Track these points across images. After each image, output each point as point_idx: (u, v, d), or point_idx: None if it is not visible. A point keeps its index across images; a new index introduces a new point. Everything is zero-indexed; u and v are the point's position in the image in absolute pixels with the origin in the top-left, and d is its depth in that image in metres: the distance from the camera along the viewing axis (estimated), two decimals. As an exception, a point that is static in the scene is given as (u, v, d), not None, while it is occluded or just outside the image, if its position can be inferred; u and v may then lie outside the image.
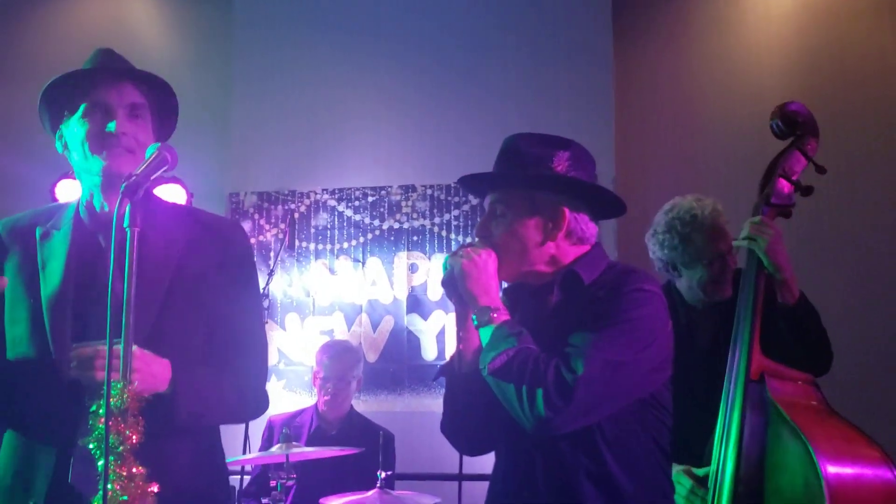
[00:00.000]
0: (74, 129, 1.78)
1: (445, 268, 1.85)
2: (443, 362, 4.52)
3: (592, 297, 1.76)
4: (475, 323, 1.79)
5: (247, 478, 3.79)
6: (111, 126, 1.72)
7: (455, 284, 1.82)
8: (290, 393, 4.70)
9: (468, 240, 4.72)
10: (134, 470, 1.45)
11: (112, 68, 1.82)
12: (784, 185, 2.31)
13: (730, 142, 4.63)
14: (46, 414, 1.69)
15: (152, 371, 1.61)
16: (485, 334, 1.77)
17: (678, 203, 2.59)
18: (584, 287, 1.78)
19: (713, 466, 2.20)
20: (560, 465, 1.73)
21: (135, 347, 1.56)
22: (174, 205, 2.05)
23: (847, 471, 2.00)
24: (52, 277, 1.75)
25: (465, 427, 1.90)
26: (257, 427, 3.82)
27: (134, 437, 1.45)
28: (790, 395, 2.16)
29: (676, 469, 2.32)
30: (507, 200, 1.85)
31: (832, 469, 1.97)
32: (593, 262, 1.84)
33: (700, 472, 2.29)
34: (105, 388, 1.39)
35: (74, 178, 3.89)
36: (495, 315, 1.77)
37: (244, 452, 3.85)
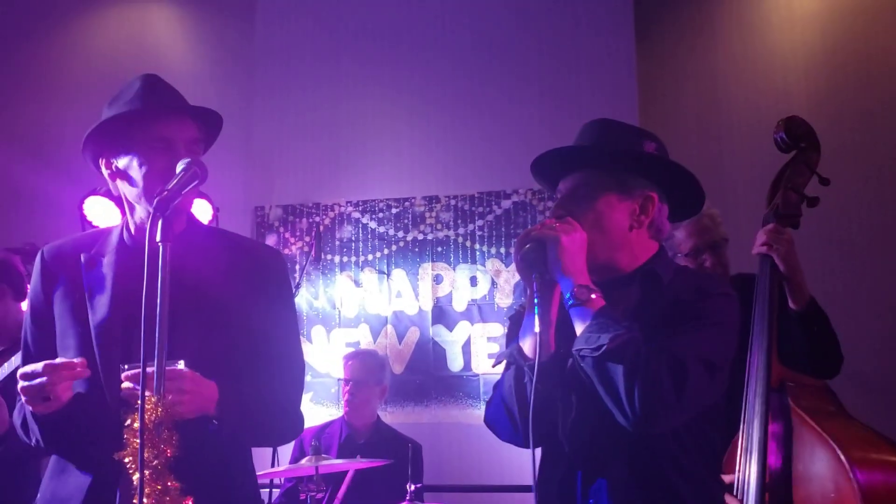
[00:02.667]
0: (135, 164, 1.77)
1: (526, 244, 1.66)
2: (470, 374, 4.57)
3: (675, 298, 1.67)
4: (570, 302, 1.62)
5: (276, 491, 3.79)
6: (175, 165, 1.68)
7: (540, 260, 1.63)
8: (316, 406, 4.70)
9: (493, 249, 4.72)
10: (168, 484, 1.45)
11: (173, 104, 1.82)
12: (791, 197, 2.37)
13: (754, 144, 4.58)
14: (92, 440, 1.70)
15: (202, 393, 1.63)
16: (581, 315, 1.61)
17: None
18: (662, 287, 1.71)
19: (738, 476, 2.19)
20: (631, 468, 1.64)
21: (183, 367, 1.58)
22: (213, 228, 2.07)
23: (878, 475, 2.01)
24: (99, 305, 1.77)
25: (526, 419, 1.66)
26: (286, 440, 3.82)
27: (168, 451, 1.46)
28: (811, 401, 2.18)
29: None
30: (593, 180, 1.72)
31: (863, 474, 1.98)
32: (666, 261, 1.79)
33: (725, 479, 2.28)
34: (140, 402, 1.40)
35: (102, 196, 3.95)
36: (594, 296, 1.61)
37: (273, 465, 3.86)
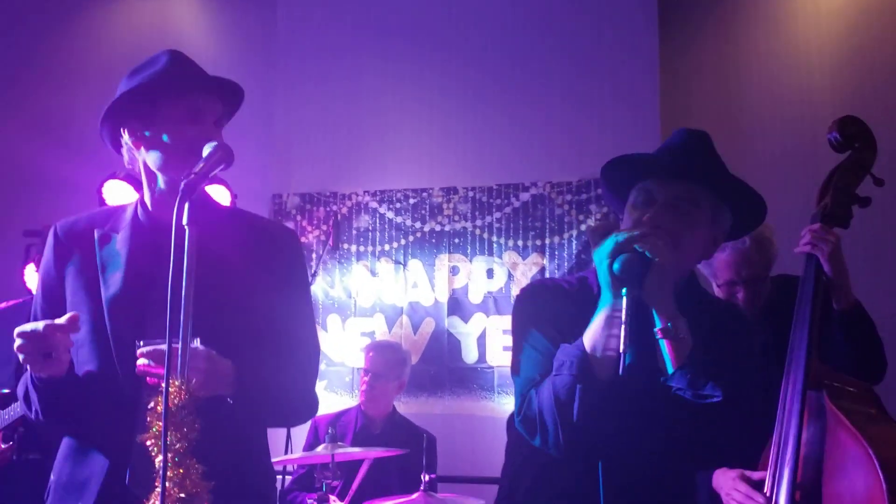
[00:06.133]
0: (162, 132, 1.75)
1: (626, 252, 1.56)
2: (484, 366, 4.55)
3: (714, 315, 1.74)
4: (661, 333, 1.60)
5: (288, 478, 3.80)
6: (205, 136, 1.69)
7: (638, 276, 1.55)
8: (331, 394, 4.71)
9: (510, 242, 4.70)
10: (191, 467, 1.44)
11: (201, 76, 1.82)
12: (842, 197, 2.32)
13: (778, 141, 4.55)
14: (105, 418, 1.70)
15: (218, 371, 1.61)
16: (677, 348, 1.60)
17: None
18: (701, 309, 1.72)
19: (770, 472, 2.17)
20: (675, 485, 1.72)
21: (199, 345, 1.57)
22: (228, 207, 2.06)
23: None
24: (112, 280, 1.76)
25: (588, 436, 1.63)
26: (301, 427, 3.83)
27: (191, 434, 1.45)
28: (848, 402, 2.15)
29: (730, 474, 2.30)
30: (696, 200, 1.68)
31: (893, 476, 1.95)
32: (697, 285, 1.82)
33: (755, 475, 2.26)
34: (164, 385, 1.39)
35: (122, 179, 3.96)
36: (684, 334, 1.60)
37: (286, 452, 3.87)
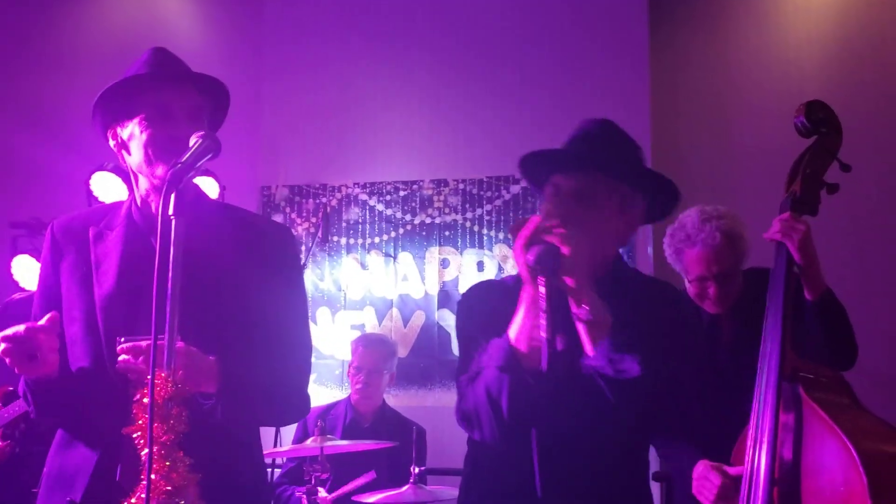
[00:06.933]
0: (136, 132, 1.75)
1: (535, 243, 1.61)
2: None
3: (636, 299, 1.73)
4: (580, 316, 1.62)
5: (277, 471, 3.79)
6: (175, 133, 1.68)
7: (552, 266, 1.59)
8: (321, 387, 4.69)
9: (501, 234, 4.69)
10: (177, 461, 1.43)
11: (173, 72, 1.80)
12: (810, 183, 2.29)
13: (768, 133, 4.55)
14: (97, 414, 1.70)
15: (199, 369, 1.60)
16: (593, 333, 1.62)
17: (684, 219, 2.59)
18: (627, 294, 1.73)
19: (747, 467, 2.17)
20: (598, 466, 1.71)
21: (180, 343, 1.55)
22: (220, 203, 2.04)
23: (888, 469, 1.96)
24: (105, 277, 1.76)
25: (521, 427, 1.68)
26: (289, 420, 3.82)
27: (178, 427, 1.44)
28: (824, 393, 2.13)
29: (708, 467, 2.30)
30: (602, 188, 1.72)
31: (874, 467, 1.94)
32: (625, 267, 1.85)
33: (732, 471, 2.26)
34: (150, 379, 1.38)
35: (110, 171, 3.94)
36: (604, 314, 1.61)
37: (275, 445, 3.85)
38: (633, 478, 1.81)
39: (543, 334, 1.55)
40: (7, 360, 1.62)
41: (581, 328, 1.63)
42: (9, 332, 1.60)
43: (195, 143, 1.56)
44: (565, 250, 1.58)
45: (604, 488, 1.73)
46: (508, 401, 1.64)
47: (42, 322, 1.62)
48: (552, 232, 1.61)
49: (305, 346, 1.87)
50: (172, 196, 1.45)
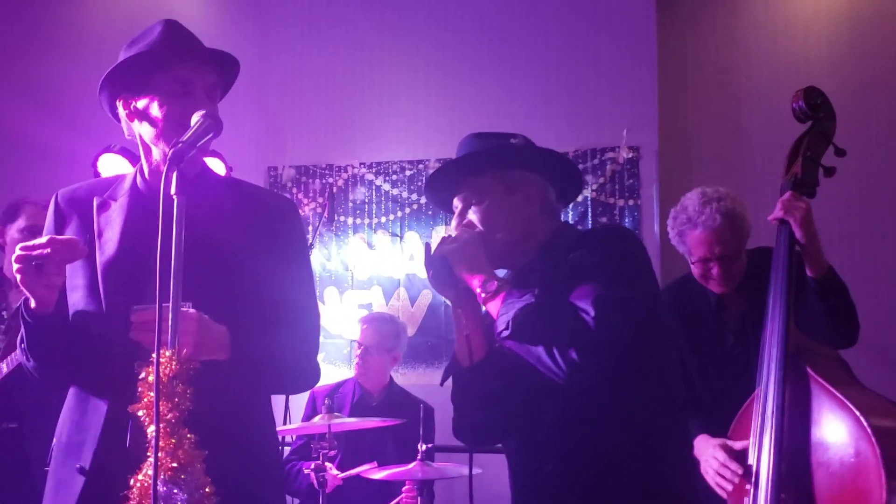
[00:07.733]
0: (154, 106, 1.76)
1: (431, 266, 1.82)
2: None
3: (573, 256, 1.76)
4: (483, 299, 1.77)
5: (286, 449, 3.82)
6: (195, 111, 1.67)
7: (449, 276, 1.80)
8: (329, 366, 4.72)
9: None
10: (183, 437, 1.44)
11: (199, 49, 1.81)
12: (808, 166, 2.36)
13: (775, 111, 4.52)
14: (99, 381, 1.71)
15: (210, 334, 1.61)
16: (496, 305, 1.74)
17: (686, 201, 2.62)
18: (565, 257, 1.78)
19: (753, 441, 2.18)
20: (574, 454, 1.73)
21: (191, 309, 1.57)
22: (227, 178, 2.05)
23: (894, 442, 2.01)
24: (108, 246, 1.77)
25: (476, 422, 1.85)
26: (298, 398, 3.84)
27: (183, 404, 1.45)
28: (826, 369, 2.18)
29: (711, 442, 2.32)
30: (480, 189, 1.86)
31: (885, 440, 1.99)
32: (566, 234, 1.89)
33: (737, 445, 2.28)
34: (155, 354, 1.39)
35: (117, 153, 3.94)
36: (500, 282, 1.75)
37: (284, 423, 3.88)
38: (618, 451, 1.74)
39: (464, 331, 1.80)
40: (15, 268, 1.61)
41: (492, 308, 1.75)
42: (29, 243, 1.61)
43: (197, 123, 1.57)
44: (451, 257, 1.78)
45: (587, 461, 1.74)
46: (454, 394, 1.89)
47: (63, 238, 1.64)
48: (438, 248, 1.81)
49: (313, 314, 1.89)
50: (174, 175, 1.45)
